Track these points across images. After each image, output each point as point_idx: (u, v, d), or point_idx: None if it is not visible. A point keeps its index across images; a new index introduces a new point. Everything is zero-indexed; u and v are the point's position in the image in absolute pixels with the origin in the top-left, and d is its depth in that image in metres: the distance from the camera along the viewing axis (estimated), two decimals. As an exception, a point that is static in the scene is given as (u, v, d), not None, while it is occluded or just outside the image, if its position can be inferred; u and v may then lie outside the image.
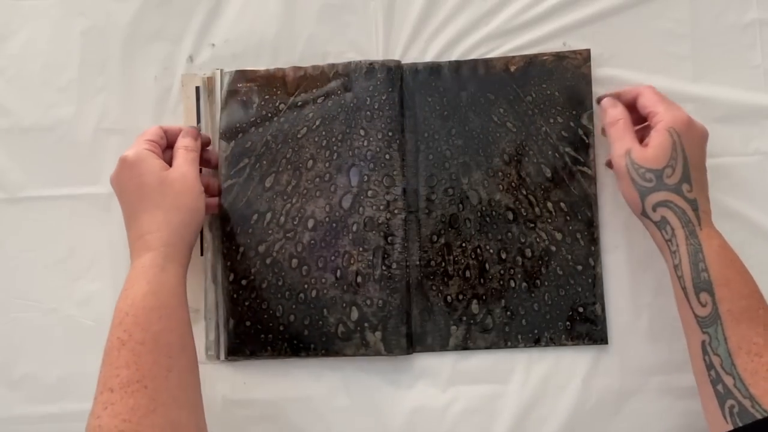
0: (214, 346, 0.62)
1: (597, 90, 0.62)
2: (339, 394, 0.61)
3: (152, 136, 0.57)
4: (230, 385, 0.61)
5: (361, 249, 0.61)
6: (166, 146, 0.59)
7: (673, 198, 0.53)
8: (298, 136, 0.62)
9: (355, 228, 0.61)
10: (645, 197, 0.53)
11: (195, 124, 0.63)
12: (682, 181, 0.53)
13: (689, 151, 0.54)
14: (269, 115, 0.62)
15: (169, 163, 0.57)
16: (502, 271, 0.61)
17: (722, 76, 0.62)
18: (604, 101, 0.58)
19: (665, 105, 0.56)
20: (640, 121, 0.58)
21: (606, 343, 0.61)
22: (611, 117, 0.57)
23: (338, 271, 0.61)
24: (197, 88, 0.64)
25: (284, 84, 0.63)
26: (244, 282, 0.61)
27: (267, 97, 0.63)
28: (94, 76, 0.64)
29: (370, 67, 0.62)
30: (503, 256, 0.61)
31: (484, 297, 0.61)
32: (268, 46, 0.64)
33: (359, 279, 0.60)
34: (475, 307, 0.61)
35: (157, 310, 0.51)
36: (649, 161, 0.53)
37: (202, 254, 0.62)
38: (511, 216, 0.61)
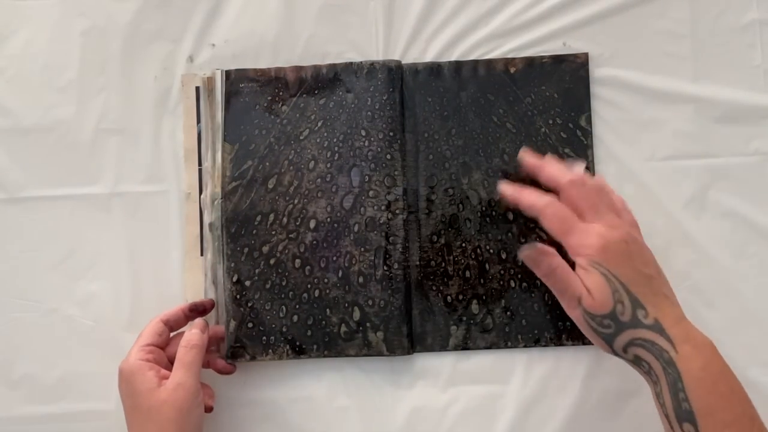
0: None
1: (596, 91, 0.62)
2: (339, 394, 0.61)
3: (150, 337, 0.56)
4: (230, 385, 0.61)
5: (362, 249, 0.61)
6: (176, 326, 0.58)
7: (636, 334, 0.50)
8: (301, 137, 0.62)
9: (356, 228, 0.61)
10: (611, 343, 0.51)
11: (195, 124, 0.63)
12: (634, 310, 0.50)
13: (622, 276, 0.50)
14: (271, 116, 0.62)
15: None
16: (502, 271, 0.61)
17: (722, 76, 0.62)
18: (532, 253, 0.52)
19: (570, 235, 0.52)
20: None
21: (606, 342, 0.61)
22: (546, 268, 0.52)
23: (340, 272, 0.61)
24: (197, 89, 0.63)
25: (285, 84, 0.63)
26: (247, 283, 0.61)
27: (269, 98, 0.63)
28: (94, 76, 0.64)
29: (371, 68, 0.62)
30: (503, 256, 0.61)
31: (484, 297, 0.61)
32: (268, 46, 0.64)
33: (361, 279, 0.60)
34: (475, 307, 0.61)
35: None
36: (598, 307, 0.50)
37: (202, 254, 0.62)
38: (511, 216, 0.61)
